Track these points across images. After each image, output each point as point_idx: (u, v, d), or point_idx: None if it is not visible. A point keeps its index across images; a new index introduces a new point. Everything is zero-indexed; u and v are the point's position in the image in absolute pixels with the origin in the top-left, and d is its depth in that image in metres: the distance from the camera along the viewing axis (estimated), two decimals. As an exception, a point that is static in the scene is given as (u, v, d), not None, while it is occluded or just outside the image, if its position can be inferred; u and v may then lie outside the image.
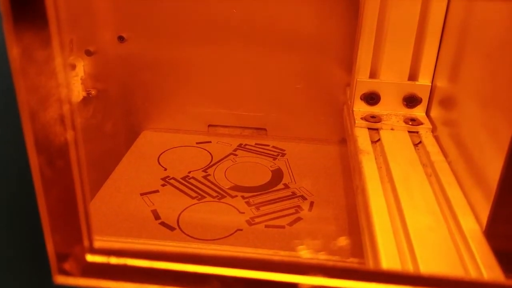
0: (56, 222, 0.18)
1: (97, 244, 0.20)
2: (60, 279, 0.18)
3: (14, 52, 0.14)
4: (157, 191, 0.49)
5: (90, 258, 0.19)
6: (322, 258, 0.37)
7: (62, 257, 0.18)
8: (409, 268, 0.28)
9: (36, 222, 0.17)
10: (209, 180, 0.51)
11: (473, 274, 0.28)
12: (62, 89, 0.15)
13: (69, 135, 0.16)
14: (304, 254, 0.38)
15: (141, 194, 0.48)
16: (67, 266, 0.19)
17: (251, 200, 0.48)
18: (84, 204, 0.18)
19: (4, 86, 0.15)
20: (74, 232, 0.18)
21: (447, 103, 0.44)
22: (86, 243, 0.19)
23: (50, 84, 0.15)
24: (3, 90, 0.15)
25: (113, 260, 0.19)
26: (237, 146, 0.58)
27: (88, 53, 0.56)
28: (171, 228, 0.43)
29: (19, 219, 0.18)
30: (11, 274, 0.20)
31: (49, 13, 0.14)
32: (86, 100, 0.57)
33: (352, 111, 0.48)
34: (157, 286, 0.18)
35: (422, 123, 0.46)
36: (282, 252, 0.40)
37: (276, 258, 0.37)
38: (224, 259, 0.17)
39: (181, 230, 0.43)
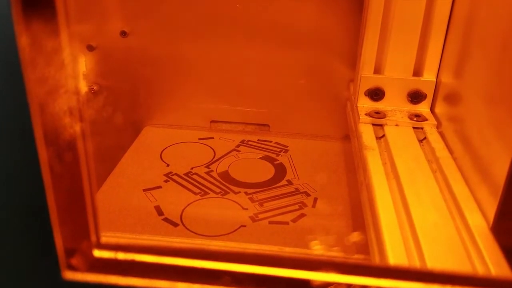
0: (65, 217, 0.18)
1: (103, 239, 0.20)
2: (69, 275, 0.18)
3: (23, 41, 0.14)
4: (159, 187, 0.49)
5: (98, 253, 0.19)
6: (327, 254, 0.37)
7: (69, 252, 0.18)
8: (416, 265, 0.28)
9: (45, 217, 0.17)
10: (212, 176, 0.51)
11: (480, 271, 0.28)
12: (70, 80, 0.15)
13: (78, 127, 0.16)
14: (310, 250, 0.37)
15: (144, 190, 0.48)
16: (74, 261, 0.19)
17: (254, 196, 0.48)
18: (92, 199, 0.18)
19: (12, 78, 0.15)
20: (81, 227, 0.18)
21: (452, 99, 0.44)
22: (93, 238, 0.19)
23: (58, 75, 0.15)
24: (12, 82, 0.15)
25: (121, 256, 0.19)
26: (240, 142, 0.58)
27: (90, 48, 0.56)
28: (175, 224, 0.43)
29: (28, 214, 0.18)
30: (21, 270, 0.20)
31: (57, 2, 0.14)
32: (87, 95, 0.57)
33: (356, 107, 0.48)
34: (167, 282, 0.18)
35: (426, 119, 0.45)
36: (286, 249, 0.40)
37: (287, 254, 0.37)
38: (234, 254, 0.17)
39: (185, 226, 0.43)
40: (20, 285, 0.20)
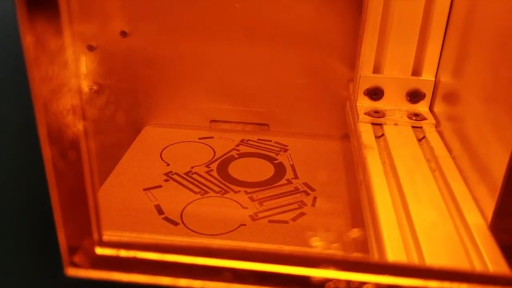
0: (67, 215, 0.18)
1: (105, 237, 0.20)
2: (71, 271, 0.18)
3: (27, 41, 0.14)
4: (160, 186, 0.49)
5: (100, 251, 0.19)
6: (326, 252, 0.37)
7: (72, 250, 0.18)
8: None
9: (48, 215, 0.17)
10: (211, 175, 0.51)
11: (478, 268, 0.28)
12: (73, 79, 0.15)
13: (81, 126, 0.16)
14: (310, 248, 0.38)
15: (144, 189, 0.48)
16: (76, 258, 0.19)
17: (254, 195, 0.48)
18: (94, 197, 0.18)
19: (17, 77, 0.15)
20: (84, 225, 0.18)
21: (451, 98, 0.44)
22: (95, 236, 0.19)
23: (62, 74, 0.15)
24: (16, 82, 0.15)
25: (123, 253, 0.19)
26: (240, 141, 0.58)
27: (90, 48, 0.56)
28: (175, 223, 0.43)
29: (32, 212, 0.18)
30: (24, 267, 0.20)
31: (61, 2, 0.14)
32: (88, 95, 0.57)
33: (356, 106, 0.48)
34: (169, 278, 0.18)
35: (425, 118, 0.46)
36: (286, 247, 0.40)
37: (288, 251, 0.37)
38: (235, 252, 0.17)
39: (185, 225, 0.43)
40: (23, 282, 0.20)
